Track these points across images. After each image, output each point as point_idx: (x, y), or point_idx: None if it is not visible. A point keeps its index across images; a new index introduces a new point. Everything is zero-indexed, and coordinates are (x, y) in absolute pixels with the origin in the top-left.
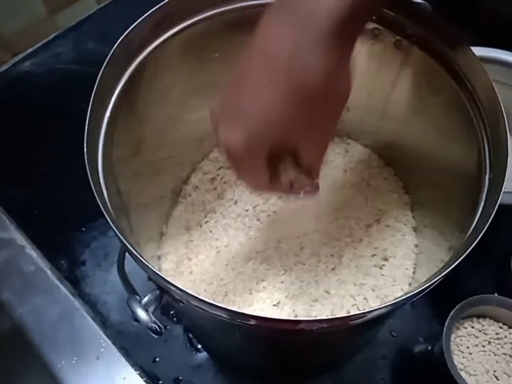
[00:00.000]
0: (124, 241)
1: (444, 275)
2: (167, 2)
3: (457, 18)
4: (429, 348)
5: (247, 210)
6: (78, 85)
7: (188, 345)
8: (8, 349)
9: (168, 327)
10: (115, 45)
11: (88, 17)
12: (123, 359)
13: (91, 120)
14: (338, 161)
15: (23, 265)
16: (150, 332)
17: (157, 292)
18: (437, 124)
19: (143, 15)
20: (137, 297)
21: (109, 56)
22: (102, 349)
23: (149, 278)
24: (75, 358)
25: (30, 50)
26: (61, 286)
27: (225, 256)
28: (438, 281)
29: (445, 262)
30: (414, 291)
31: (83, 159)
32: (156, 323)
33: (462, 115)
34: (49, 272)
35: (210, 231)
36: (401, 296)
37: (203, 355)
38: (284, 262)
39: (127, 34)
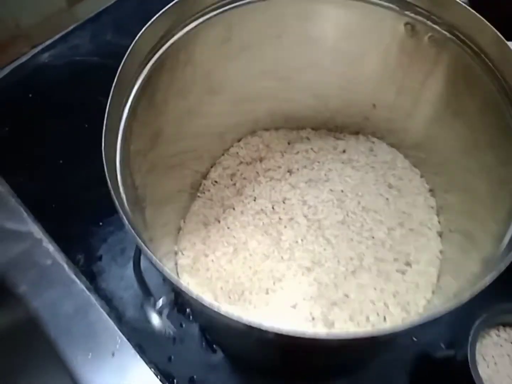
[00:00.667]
0: (140, 242)
1: (479, 290)
2: None
3: (496, 13)
4: (451, 355)
5: (266, 207)
6: (96, 77)
7: (203, 344)
8: (23, 342)
9: (183, 325)
10: (137, 37)
11: (106, 9)
12: (138, 357)
13: (110, 113)
14: (362, 160)
15: (40, 259)
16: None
17: (172, 295)
18: (470, 126)
19: (161, 6)
20: (152, 298)
21: (130, 48)
22: (117, 346)
23: (164, 280)
24: (90, 354)
25: (48, 42)
26: (77, 281)
27: (242, 254)
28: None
29: (477, 274)
30: (448, 308)
31: (101, 151)
32: (170, 327)
33: (498, 119)
34: (65, 266)
35: (228, 228)
36: (435, 313)
37: (219, 355)
38: (302, 262)
39: (148, 26)
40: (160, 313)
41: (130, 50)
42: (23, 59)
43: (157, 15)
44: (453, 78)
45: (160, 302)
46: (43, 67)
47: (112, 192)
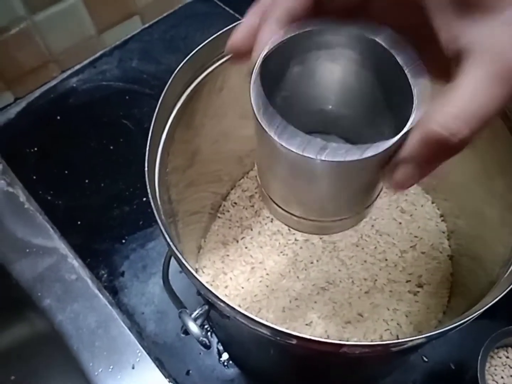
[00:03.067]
0: (178, 254)
1: (485, 308)
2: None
3: None
4: (461, 375)
5: (282, 228)
6: (121, 101)
7: (221, 359)
8: (47, 354)
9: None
10: (182, 63)
11: (133, 36)
12: (157, 370)
13: (153, 135)
14: None
15: (65, 273)
16: (200, 346)
17: (206, 307)
18: (481, 155)
19: (183, 35)
20: (187, 310)
21: (174, 74)
22: (137, 359)
23: (198, 293)
24: (111, 367)
25: (77, 66)
26: (101, 295)
27: (259, 273)
28: (479, 313)
29: (486, 296)
30: (460, 321)
31: (125, 172)
32: (206, 337)
33: (507, 148)
34: (89, 281)
35: (246, 247)
36: (448, 326)
37: (235, 370)
38: (317, 282)
39: (188, 58)
40: (194, 322)
41: (172, 80)
42: (53, 82)
43: (198, 48)
44: None
45: (195, 314)
46: (72, 91)
47: (153, 206)
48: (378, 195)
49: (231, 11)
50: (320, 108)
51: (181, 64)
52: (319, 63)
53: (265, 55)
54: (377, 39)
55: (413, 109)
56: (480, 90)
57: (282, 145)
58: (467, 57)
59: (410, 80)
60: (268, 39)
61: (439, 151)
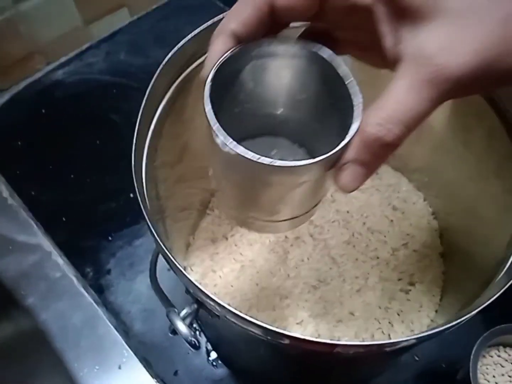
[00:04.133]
0: (166, 251)
1: (480, 309)
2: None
3: None
4: (453, 373)
5: None
6: (108, 95)
7: (209, 359)
8: (30, 353)
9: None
10: (169, 55)
11: (121, 28)
12: (144, 370)
13: (139, 130)
14: (367, 183)
15: (49, 271)
16: (189, 346)
17: (195, 305)
18: (476, 154)
19: (172, 28)
20: (175, 309)
21: (161, 66)
22: (124, 359)
23: (187, 291)
24: (97, 367)
25: (64, 59)
26: (86, 294)
27: (249, 271)
28: (474, 313)
29: (479, 295)
30: (455, 321)
31: (112, 168)
32: (195, 337)
33: (503, 147)
34: (74, 279)
35: (236, 245)
36: (442, 326)
37: (224, 370)
38: (308, 281)
39: (177, 49)
40: (183, 322)
41: (159, 73)
42: (38, 75)
43: (185, 39)
44: (457, 107)
45: (183, 313)
46: (57, 84)
47: (140, 202)
48: (324, 195)
49: (221, 4)
50: (270, 112)
51: (168, 57)
52: (268, 71)
53: (217, 66)
54: (319, 52)
55: (353, 119)
56: (408, 94)
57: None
58: (401, 62)
59: (350, 91)
60: (220, 52)
61: (378, 149)
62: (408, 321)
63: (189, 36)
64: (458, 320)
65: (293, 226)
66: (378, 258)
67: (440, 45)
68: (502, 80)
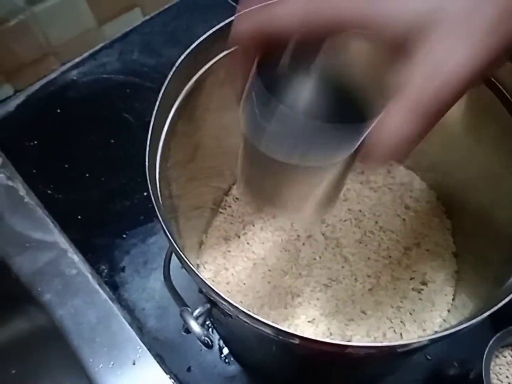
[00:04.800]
0: (179, 251)
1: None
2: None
3: None
4: (465, 374)
5: (285, 224)
6: (122, 94)
7: (222, 356)
8: (46, 348)
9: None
10: (181, 57)
11: (133, 28)
12: (158, 366)
13: (153, 130)
14: (379, 182)
15: (65, 268)
16: (202, 345)
17: (208, 305)
18: (488, 152)
19: (185, 27)
20: (189, 309)
21: (174, 68)
22: (138, 355)
23: (200, 291)
24: (112, 363)
25: (77, 59)
26: (101, 291)
27: (261, 269)
28: (488, 314)
29: (492, 295)
30: (468, 322)
31: (126, 166)
32: (208, 336)
33: None
34: (89, 276)
35: (248, 243)
36: (456, 327)
37: (237, 367)
38: (320, 279)
39: (195, 45)
40: (196, 321)
41: (173, 73)
42: (53, 75)
43: (197, 41)
44: (471, 106)
45: (196, 312)
46: (72, 84)
47: (153, 201)
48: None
49: (233, 3)
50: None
51: (182, 58)
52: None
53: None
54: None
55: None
56: (399, 123)
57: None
58: (395, 92)
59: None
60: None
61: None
62: (420, 321)
63: (201, 38)
64: (471, 322)
65: (316, 214)
66: (390, 257)
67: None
68: None
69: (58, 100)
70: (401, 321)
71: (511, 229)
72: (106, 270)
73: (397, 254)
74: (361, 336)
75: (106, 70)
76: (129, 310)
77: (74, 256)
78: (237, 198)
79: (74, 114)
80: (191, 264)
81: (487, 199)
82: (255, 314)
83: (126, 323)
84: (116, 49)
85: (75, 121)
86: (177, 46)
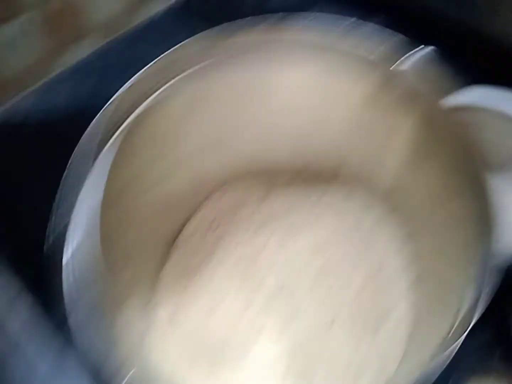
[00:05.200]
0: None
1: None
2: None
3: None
4: None
5: (245, 254)
6: (76, 128)
7: None
8: None
9: None
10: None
11: (88, 56)
12: None
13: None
14: (339, 205)
15: None
16: None
17: None
18: (438, 175)
19: (141, 54)
20: None
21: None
22: None
23: None
24: None
25: (27, 91)
26: None
27: (222, 304)
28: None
29: (454, 325)
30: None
31: None
32: None
33: (462, 171)
34: None
35: (207, 277)
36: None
37: None
38: (282, 311)
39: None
40: None
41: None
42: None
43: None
44: (422, 125)
45: None
46: (22, 116)
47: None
48: None
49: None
50: None
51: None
52: None
53: None
54: None
55: None
56: None
57: None
58: None
59: None
60: None
61: None
62: (383, 354)
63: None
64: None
65: None
66: (351, 285)
67: None
68: None
69: (7, 132)
70: (364, 356)
71: (467, 254)
72: None
73: (358, 281)
74: (324, 377)
75: (59, 102)
76: None
77: None
78: (194, 231)
79: (23, 146)
80: None
81: (443, 221)
82: None
83: None
84: (70, 79)
85: (24, 154)
86: (133, 74)
